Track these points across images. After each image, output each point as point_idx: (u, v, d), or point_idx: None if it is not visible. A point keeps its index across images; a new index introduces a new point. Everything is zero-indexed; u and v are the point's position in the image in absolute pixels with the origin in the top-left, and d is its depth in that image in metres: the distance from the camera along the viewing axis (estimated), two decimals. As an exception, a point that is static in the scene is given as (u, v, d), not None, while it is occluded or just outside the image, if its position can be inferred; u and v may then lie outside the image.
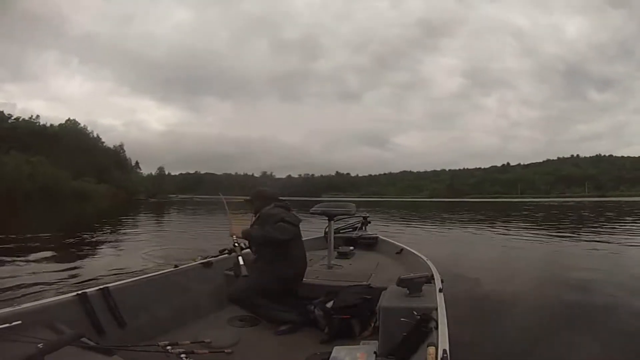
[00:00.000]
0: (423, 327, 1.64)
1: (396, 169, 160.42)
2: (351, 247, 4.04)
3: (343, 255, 3.80)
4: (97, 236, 9.68)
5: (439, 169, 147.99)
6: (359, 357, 1.67)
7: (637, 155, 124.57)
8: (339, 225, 4.74)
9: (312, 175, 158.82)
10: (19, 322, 1.54)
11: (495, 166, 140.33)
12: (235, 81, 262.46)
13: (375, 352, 1.72)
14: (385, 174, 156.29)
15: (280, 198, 2.82)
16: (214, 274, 2.86)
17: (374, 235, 4.50)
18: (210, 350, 1.84)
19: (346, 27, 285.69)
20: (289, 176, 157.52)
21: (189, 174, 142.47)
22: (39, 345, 1.25)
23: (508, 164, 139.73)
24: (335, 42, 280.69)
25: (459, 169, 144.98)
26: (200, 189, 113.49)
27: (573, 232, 11.41)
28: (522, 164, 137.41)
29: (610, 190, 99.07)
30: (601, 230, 11.97)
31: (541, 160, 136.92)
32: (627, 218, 16.88)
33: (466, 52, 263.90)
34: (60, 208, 26.32)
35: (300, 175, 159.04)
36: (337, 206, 3.72)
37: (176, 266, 2.74)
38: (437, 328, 1.58)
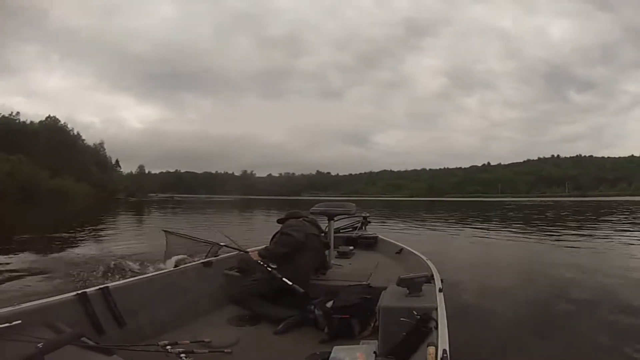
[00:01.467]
0: (423, 327, 1.64)
1: (377, 168, 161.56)
2: (351, 247, 4.04)
3: (343, 255, 3.80)
4: (72, 240, 8.81)
5: (419, 169, 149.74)
6: (359, 357, 1.67)
7: (617, 156, 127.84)
8: (339, 225, 4.74)
9: (293, 174, 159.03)
10: (19, 321, 1.54)
11: (476, 166, 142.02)
12: (217, 78, 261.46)
13: (375, 352, 1.72)
14: (365, 173, 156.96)
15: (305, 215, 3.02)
16: (214, 274, 2.86)
17: (374, 235, 4.50)
18: (210, 350, 1.84)
19: (331, 25, 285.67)
20: (270, 175, 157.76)
21: (169, 172, 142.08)
22: (39, 345, 1.25)
23: (488, 163, 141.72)
24: (319, 39, 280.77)
25: (440, 169, 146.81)
26: (181, 188, 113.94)
27: (554, 231, 11.57)
28: (502, 164, 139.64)
29: (590, 190, 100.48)
30: (581, 229, 12.17)
31: (522, 161, 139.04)
32: (607, 217, 17.13)
33: (450, 52, 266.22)
34: (38, 208, 25.57)
35: (281, 174, 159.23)
36: (337, 206, 3.72)
37: (176, 266, 2.74)
38: (437, 328, 1.58)
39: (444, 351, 1.31)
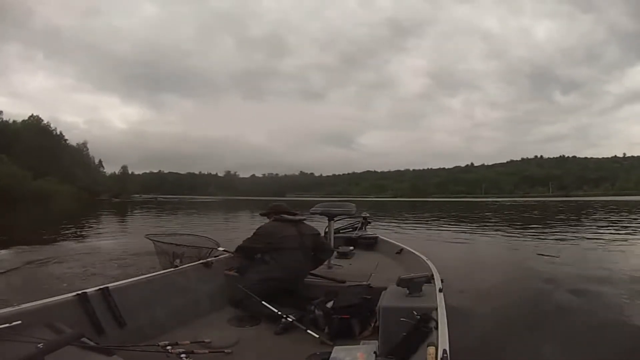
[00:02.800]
0: (423, 327, 1.64)
1: (360, 168, 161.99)
2: (351, 247, 4.05)
3: (343, 255, 3.81)
4: (51, 245, 7.91)
5: (402, 169, 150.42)
6: (359, 357, 1.67)
7: (600, 157, 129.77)
8: (339, 225, 4.74)
9: (277, 174, 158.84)
10: (19, 321, 1.54)
11: (459, 166, 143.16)
12: (200, 78, 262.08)
13: (375, 352, 1.72)
14: (349, 173, 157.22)
15: (276, 211, 3.01)
16: (214, 274, 2.86)
17: (374, 235, 4.50)
18: (210, 350, 1.84)
19: (314, 25, 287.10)
20: (253, 176, 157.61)
21: (152, 173, 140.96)
22: (39, 345, 1.25)
23: (472, 164, 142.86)
24: (301, 40, 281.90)
25: (423, 169, 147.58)
26: (164, 189, 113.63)
27: (543, 230, 11.68)
28: (485, 164, 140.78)
29: (574, 190, 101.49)
30: (567, 228, 12.37)
31: (505, 161, 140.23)
32: (593, 217, 17.39)
33: (434, 53, 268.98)
34: (18, 210, 24.52)
35: (264, 174, 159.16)
36: (337, 206, 3.72)
37: (176, 266, 2.74)
38: (437, 328, 1.58)
39: (444, 351, 1.31)
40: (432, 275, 2.39)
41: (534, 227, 12.82)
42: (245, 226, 15.11)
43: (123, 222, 16.82)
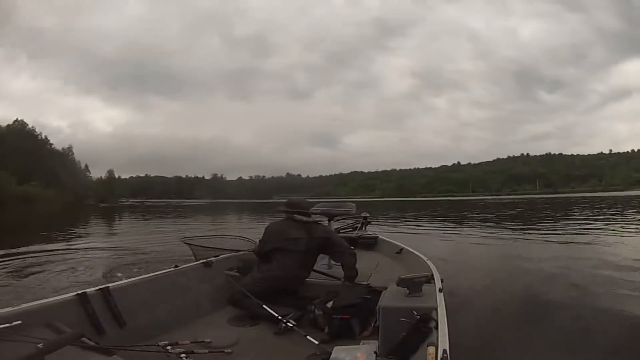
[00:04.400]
0: (423, 327, 1.64)
1: (347, 169, 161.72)
2: (351, 247, 4.04)
3: None
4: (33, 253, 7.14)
5: (389, 169, 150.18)
6: (360, 357, 1.67)
7: (586, 154, 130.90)
8: (339, 225, 4.74)
9: (263, 176, 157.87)
10: (19, 322, 1.54)
11: (446, 165, 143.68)
12: (185, 79, 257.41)
13: (375, 352, 1.72)
14: (336, 174, 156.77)
15: (291, 209, 2.89)
16: (214, 274, 2.86)
17: (374, 235, 4.50)
18: (210, 350, 1.84)
19: (300, 24, 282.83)
20: (240, 178, 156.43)
21: (139, 177, 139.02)
22: (39, 345, 1.25)
23: (458, 163, 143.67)
24: (288, 39, 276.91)
25: (410, 169, 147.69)
26: (151, 193, 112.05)
27: (535, 227, 11.82)
28: (472, 163, 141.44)
29: (561, 187, 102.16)
30: (559, 224, 12.55)
31: (491, 160, 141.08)
32: (587, 212, 17.67)
33: (420, 52, 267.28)
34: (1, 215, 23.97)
35: (251, 177, 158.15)
36: (337, 206, 3.73)
37: (176, 266, 2.74)
38: (437, 328, 1.58)
39: (444, 351, 1.31)
40: (432, 275, 2.39)
41: (526, 224, 12.96)
42: (233, 226, 15.12)
43: (112, 227, 15.93)
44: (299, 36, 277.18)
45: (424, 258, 3.07)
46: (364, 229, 4.94)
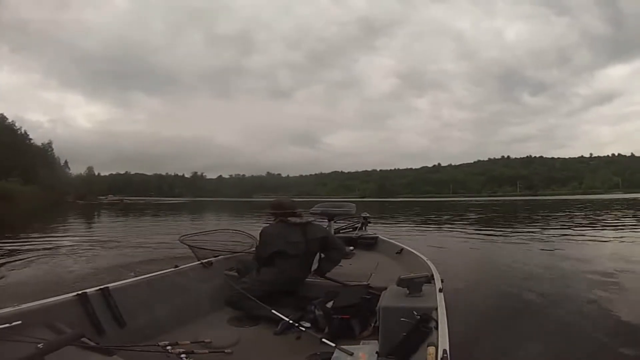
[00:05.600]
0: (423, 327, 1.64)
1: (327, 169, 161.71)
2: (351, 247, 4.04)
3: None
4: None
5: (370, 169, 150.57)
6: (361, 357, 1.67)
7: (567, 157, 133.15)
8: (339, 225, 4.74)
9: (244, 175, 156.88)
10: (19, 322, 1.54)
11: (427, 166, 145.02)
12: (167, 76, 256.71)
13: (377, 352, 1.72)
14: (316, 174, 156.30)
15: (283, 211, 2.87)
16: (214, 274, 2.86)
17: (374, 236, 4.50)
18: (210, 350, 1.84)
19: (285, 23, 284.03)
20: (220, 177, 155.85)
21: (119, 174, 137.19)
22: (39, 345, 1.25)
23: (439, 164, 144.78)
24: (271, 37, 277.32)
25: (390, 170, 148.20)
26: (131, 190, 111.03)
27: (524, 228, 11.94)
28: (453, 164, 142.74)
29: (541, 189, 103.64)
30: (544, 225, 12.62)
31: (472, 161, 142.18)
32: (566, 214, 17.91)
33: (403, 53, 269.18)
34: None
35: (231, 175, 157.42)
36: (337, 206, 3.73)
37: (176, 266, 2.74)
38: (437, 328, 1.58)
39: (444, 351, 1.31)
40: (432, 275, 2.39)
41: (509, 225, 13.08)
42: (211, 223, 14.92)
43: (91, 226, 14.81)
44: (283, 35, 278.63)
45: (424, 258, 3.07)
46: (364, 229, 4.94)
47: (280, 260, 2.68)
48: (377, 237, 4.45)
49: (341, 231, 4.68)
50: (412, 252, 3.48)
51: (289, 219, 2.81)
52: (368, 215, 5.22)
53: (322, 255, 2.89)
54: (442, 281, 2.29)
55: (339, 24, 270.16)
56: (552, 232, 10.47)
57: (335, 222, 4.21)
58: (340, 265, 3.44)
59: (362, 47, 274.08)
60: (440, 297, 1.90)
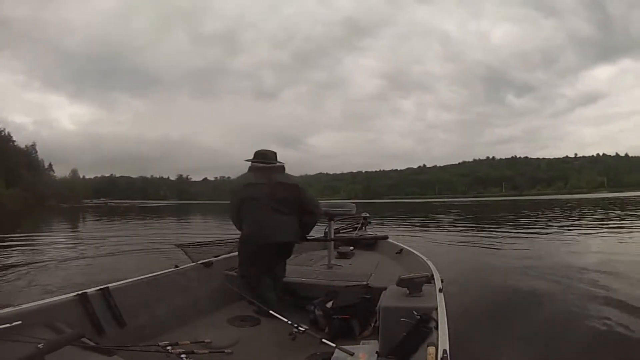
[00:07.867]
0: (423, 327, 1.64)
1: (312, 170, 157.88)
2: (351, 247, 4.04)
3: (343, 255, 3.81)
4: None
5: (355, 171, 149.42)
6: (361, 357, 1.67)
7: (552, 157, 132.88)
8: (339, 225, 4.73)
9: (229, 177, 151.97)
10: (19, 322, 1.54)
11: (412, 168, 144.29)
12: (152, 76, 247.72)
13: (376, 352, 1.72)
14: (301, 175, 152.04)
15: (257, 161, 2.68)
16: (214, 274, 2.86)
17: (374, 236, 4.49)
18: (210, 350, 1.84)
19: (270, 23, 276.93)
20: (205, 179, 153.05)
21: (103, 177, 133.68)
22: (39, 345, 1.25)
23: (424, 165, 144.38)
24: (256, 37, 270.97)
25: (376, 171, 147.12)
26: (115, 193, 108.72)
27: (515, 229, 12.00)
28: (438, 165, 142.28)
29: (526, 190, 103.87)
30: (524, 225, 12.87)
31: (457, 162, 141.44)
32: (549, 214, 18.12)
33: (389, 53, 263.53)
34: None
35: (216, 178, 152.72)
36: (337, 206, 3.73)
37: (176, 266, 2.74)
38: (437, 328, 1.58)
39: (444, 351, 1.31)
40: (432, 275, 2.39)
41: (498, 226, 13.08)
42: (198, 226, 14.96)
43: (75, 233, 14.05)
44: (269, 35, 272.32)
45: (424, 258, 3.07)
46: (364, 229, 4.93)
47: (247, 210, 2.53)
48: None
49: (341, 231, 4.67)
50: (412, 252, 3.48)
51: (255, 164, 2.65)
52: (368, 215, 5.21)
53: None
54: (442, 281, 2.29)
55: (324, 23, 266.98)
56: (544, 230, 10.66)
57: (335, 222, 4.19)
58: (340, 265, 3.44)
59: (348, 48, 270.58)
60: (440, 297, 1.90)
